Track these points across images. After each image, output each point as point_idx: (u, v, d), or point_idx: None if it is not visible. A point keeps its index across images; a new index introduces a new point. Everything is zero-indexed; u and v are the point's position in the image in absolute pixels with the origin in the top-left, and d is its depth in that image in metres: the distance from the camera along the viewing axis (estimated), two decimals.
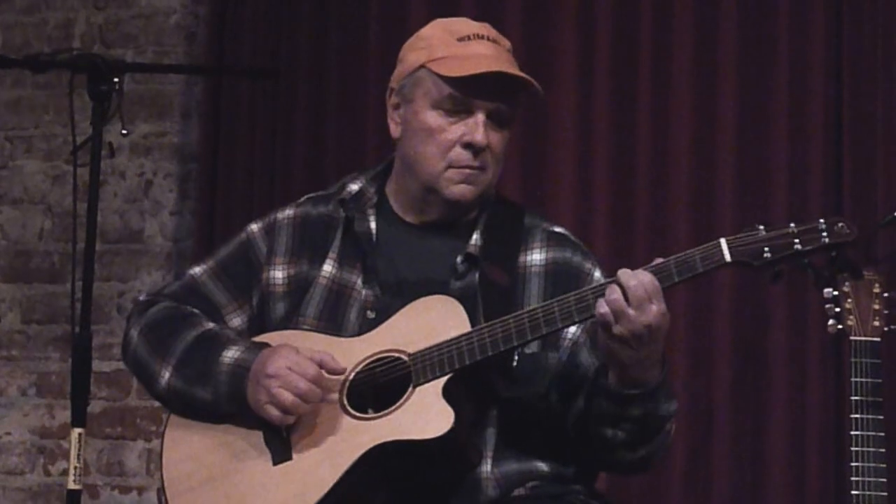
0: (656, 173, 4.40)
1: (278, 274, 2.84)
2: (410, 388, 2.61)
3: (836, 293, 3.45)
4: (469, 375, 2.61)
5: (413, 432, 2.56)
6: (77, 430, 2.85)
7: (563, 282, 2.74)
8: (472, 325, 2.63)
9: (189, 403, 2.76)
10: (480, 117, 2.72)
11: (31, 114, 5.16)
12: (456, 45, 2.75)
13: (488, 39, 2.77)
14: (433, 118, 2.74)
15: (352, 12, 4.74)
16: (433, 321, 2.65)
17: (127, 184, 5.06)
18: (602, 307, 2.50)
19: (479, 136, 2.71)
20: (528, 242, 2.80)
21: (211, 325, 2.81)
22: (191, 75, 5.05)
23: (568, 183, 4.45)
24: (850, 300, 3.45)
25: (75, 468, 2.85)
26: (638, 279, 2.51)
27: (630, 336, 2.50)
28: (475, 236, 2.78)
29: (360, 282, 2.78)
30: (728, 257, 2.53)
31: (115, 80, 2.92)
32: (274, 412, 2.63)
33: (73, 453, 2.84)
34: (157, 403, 4.82)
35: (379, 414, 2.62)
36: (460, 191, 2.75)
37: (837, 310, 3.45)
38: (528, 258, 2.78)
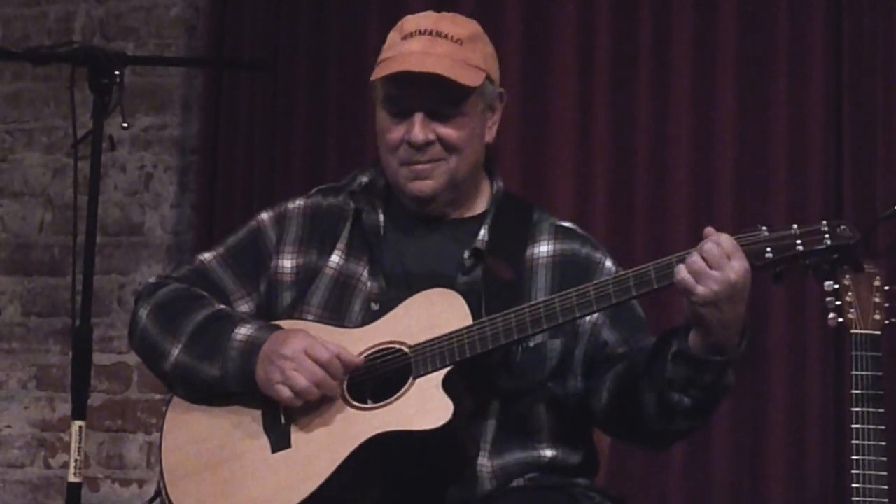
0: (656, 171, 4.40)
1: (287, 263, 2.85)
2: (410, 380, 2.62)
3: (836, 286, 3.45)
4: (469, 368, 2.63)
5: (412, 423, 2.58)
6: (77, 423, 2.85)
7: (572, 273, 2.75)
8: (475, 320, 2.64)
9: (195, 380, 2.76)
10: (417, 116, 2.74)
11: (32, 107, 5.16)
12: (398, 45, 2.79)
13: (429, 34, 2.77)
14: (382, 119, 2.80)
15: (351, 4, 4.75)
16: (435, 314, 2.66)
17: (127, 176, 5.06)
18: (681, 272, 2.49)
19: (415, 135, 2.74)
20: (536, 236, 2.82)
21: (222, 305, 2.82)
22: (191, 68, 5.05)
23: (567, 181, 4.45)
24: (850, 293, 3.44)
25: (76, 461, 2.86)
26: (711, 240, 2.50)
27: (714, 296, 2.47)
28: (482, 231, 2.79)
29: (366, 273, 2.80)
30: None
31: (116, 72, 2.92)
32: (285, 393, 2.64)
33: (74, 446, 2.84)
34: (157, 396, 4.92)
35: (378, 404, 2.64)
36: (417, 187, 2.78)
37: (838, 303, 3.44)
38: (535, 251, 2.79)
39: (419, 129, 2.74)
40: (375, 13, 4.68)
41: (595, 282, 2.62)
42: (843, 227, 2.53)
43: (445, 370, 2.61)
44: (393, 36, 2.81)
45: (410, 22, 2.82)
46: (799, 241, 2.52)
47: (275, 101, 4.76)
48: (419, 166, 2.76)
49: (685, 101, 4.39)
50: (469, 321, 2.63)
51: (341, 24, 4.74)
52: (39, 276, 5.11)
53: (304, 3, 4.79)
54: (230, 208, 4.73)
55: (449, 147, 2.76)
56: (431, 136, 2.75)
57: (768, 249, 2.52)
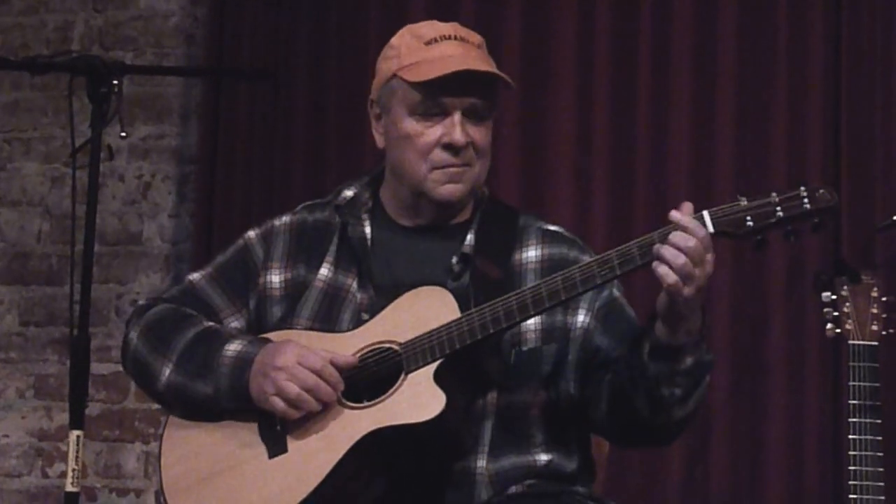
0: (655, 174, 4.40)
1: (275, 278, 2.87)
2: (402, 376, 2.64)
3: (834, 297, 3.46)
4: (461, 361, 2.64)
5: (406, 416, 2.59)
6: (75, 433, 2.85)
7: None
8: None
9: (188, 399, 2.77)
10: (457, 117, 2.74)
11: (30, 116, 5.16)
12: (423, 50, 2.78)
13: (455, 39, 2.79)
14: (411, 125, 2.77)
15: (351, 14, 4.75)
16: (424, 311, 2.67)
17: (125, 186, 5.06)
18: (671, 277, 2.49)
19: (457, 136, 2.74)
20: (523, 241, 2.83)
21: (211, 323, 2.84)
22: (190, 77, 5.05)
23: (567, 182, 4.46)
24: (848, 304, 3.46)
25: (73, 470, 2.85)
26: (693, 239, 2.49)
27: (697, 292, 2.51)
28: (469, 236, 2.81)
29: (354, 285, 2.81)
30: (711, 228, 2.52)
31: (114, 82, 2.92)
32: (279, 404, 2.65)
33: (72, 455, 2.84)
34: (155, 406, 4.91)
35: (372, 402, 2.65)
36: (448, 191, 2.78)
37: (836, 314, 3.45)
38: (524, 255, 2.81)
39: (461, 129, 2.74)
40: (375, 23, 4.68)
41: (579, 265, 2.61)
42: (821, 190, 2.53)
43: (436, 363, 2.62)
44: (410, 43, 2.80)
45: (427, 28, 2.82)
46: (779, 208, 2.53)
47: (274, 111, 4.76)
48: (454, 169, 2.76)
49: (685, 103, 4.39)
50: (457, 314, 2.64)
51: (341, 33, 4.75)
52: (37, 286, 5.11)
53: (303, 12, 4.80)
54: (229, 218, 4.73)
55: (478, 151, 2.78)
56: (469, 139, 2.75)
57: (748, 218, 2.53)
